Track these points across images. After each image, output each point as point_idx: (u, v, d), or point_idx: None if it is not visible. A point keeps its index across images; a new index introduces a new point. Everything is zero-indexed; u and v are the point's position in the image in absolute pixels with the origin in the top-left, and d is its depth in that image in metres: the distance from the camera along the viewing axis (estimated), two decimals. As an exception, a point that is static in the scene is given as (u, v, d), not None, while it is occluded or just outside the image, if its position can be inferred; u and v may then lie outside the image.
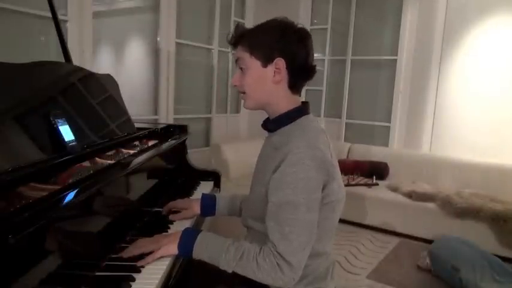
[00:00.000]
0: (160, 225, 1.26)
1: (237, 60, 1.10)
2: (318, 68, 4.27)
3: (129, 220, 1.24)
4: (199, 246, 1.02)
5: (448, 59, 3.77)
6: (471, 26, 3.63)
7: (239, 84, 1.10)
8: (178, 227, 1.25)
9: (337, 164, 1.08)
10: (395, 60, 3.95)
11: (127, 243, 1.09)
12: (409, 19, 3.84)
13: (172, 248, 1.03)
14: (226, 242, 1.00)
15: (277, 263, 0.93)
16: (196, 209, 1.36)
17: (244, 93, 1.11)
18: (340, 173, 1.09)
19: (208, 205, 1.37)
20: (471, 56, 3.64)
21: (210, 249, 1.01)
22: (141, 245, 1.04)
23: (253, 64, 1.06)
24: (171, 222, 1.30)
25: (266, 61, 1.05)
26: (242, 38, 1.08)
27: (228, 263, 0.97)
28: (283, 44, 1.04)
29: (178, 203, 1.39)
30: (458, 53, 3.71)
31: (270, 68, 1.05)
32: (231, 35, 1.11)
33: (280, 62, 1.04)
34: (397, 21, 3.94)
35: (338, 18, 4.29)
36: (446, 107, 3.81)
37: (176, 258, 1.07)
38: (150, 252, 1.02)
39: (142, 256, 1.02)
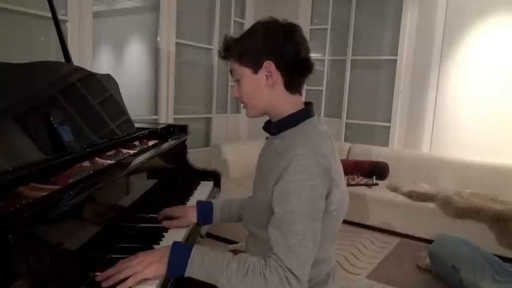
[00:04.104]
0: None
1: (231, 73, 1.09)
2: (318, 68, 4.25)
3: (128, 222, 1.24)
4: (195, 263, 0.91)
5: (448, 59, 3.77)
6: (471, 26, 3.63)
7: (238, 96, 1.08)
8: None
9: (342, 169, 1.04)
10: (395, 60, 3.95)
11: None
12: (409, 19, 3.84)
13: (160, 268, 0.92)
14: (226, 257, 0.93)
15: (285, 276, 0.88)
16: (192, 217, 1.30)
17: (244, 102, 1.09)
18: (344, 179, 1.05)
19: (205, 212, 1.31)
20: (471, 56, 3.65)
21: (207, 265, 0.91)
22: (124, 267, 0.91)
23: (244, 73, 1.04)
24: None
25: (255, 67, 1.02)
26: (229, 50, 1.06)
27: (229, 280, 0.89)
28: (268, 45, 1.01)
29: (174, 210, 1.32)
30: (458, 53, 3.71)
31: (261, 73, 1.02)
32: (220, 50, 1.09)
33: (269, 65, 1.01)
34: (397, 21, 3.94)
35: (338, 18, 4.29)
36: (446, 107, 3.81)
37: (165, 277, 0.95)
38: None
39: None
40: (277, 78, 1.03)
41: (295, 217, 0.91)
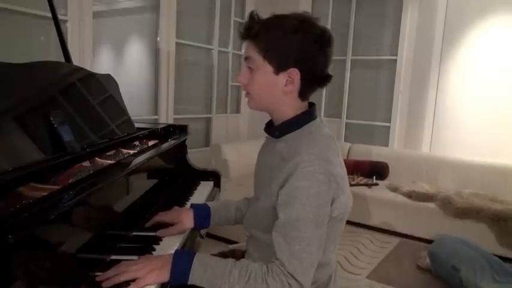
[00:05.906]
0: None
1: (246, 58, 1.01)
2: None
3: (129, 221, 1.24)
4: (197, 270, 0.91)
5: (448, 59, 3.77)
6: (471, 26, 3.63)
7: (246, 84, 1.02)
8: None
9: (346, 172, 1.02)
10: (395, 60, 3.95)
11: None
12: (409, 19, 3.84)
13: (163, 275, 0.91)
14: (228, 264, 0.92)
15: (287, 281, 0.88)
16: (188, 222, 1.21)
17: (249, 93, 1.04)
18: (348, 183, 1.04)
19: (203, 216, 1.25)
20: (471, 56, 3.65)
21: (209, 273, 0.90)
22: (124, 270, 0.90)
23: (264, 68, 0.98)
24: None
25: (280, 68, 0.97)
26: (257, 36, 0.97)
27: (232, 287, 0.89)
28: (302, 54, 0.95)
29: (167, 216, 1.23)
30: (458, 53, 3.71)
31: (282, 76, 0.97)
32: (244, 28, 1.00)
33: (294, 73, 0.96)
34: (397, 21, 3.94)
35: (338, 18, 4.29)
36: (446, 107, 3.81)
37: (162, 284, 0.93)
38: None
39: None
40: (297, 86, 0.99)
41: (300, 224, 0.90)
